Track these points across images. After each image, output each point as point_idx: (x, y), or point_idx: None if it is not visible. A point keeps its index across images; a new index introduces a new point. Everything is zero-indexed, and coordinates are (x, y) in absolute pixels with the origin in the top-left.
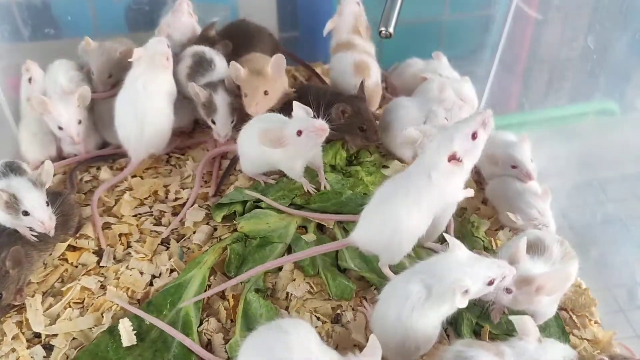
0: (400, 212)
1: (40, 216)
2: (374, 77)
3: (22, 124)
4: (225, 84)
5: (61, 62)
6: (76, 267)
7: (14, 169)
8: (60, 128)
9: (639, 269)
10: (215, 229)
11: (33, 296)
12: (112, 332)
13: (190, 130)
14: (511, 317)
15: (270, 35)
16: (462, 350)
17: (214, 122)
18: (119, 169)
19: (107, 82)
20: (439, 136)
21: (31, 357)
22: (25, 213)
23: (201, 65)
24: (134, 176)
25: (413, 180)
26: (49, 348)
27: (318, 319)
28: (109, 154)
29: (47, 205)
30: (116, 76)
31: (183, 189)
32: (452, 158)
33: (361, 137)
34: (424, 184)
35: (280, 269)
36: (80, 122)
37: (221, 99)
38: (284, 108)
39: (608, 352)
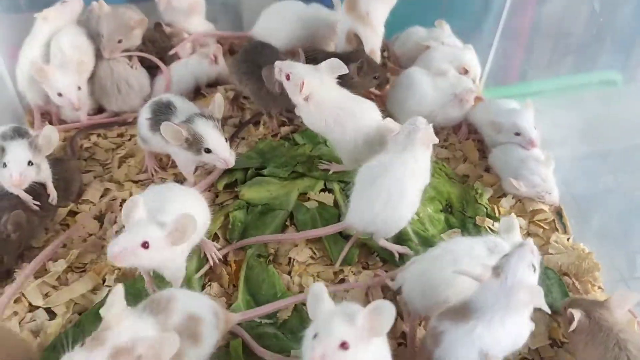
0: (405, 184)
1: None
2: (369, 43)
3: None
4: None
5: (69, 28)
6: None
7: (21, 133)
8: (59, 94)
9: (638, 239)
10: (217, 196)
11: (21, 268)
12: None
13: (191, 98)
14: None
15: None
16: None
17: (209, 151)
18: (119, 135)
19: (117, 47)
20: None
21: (33, 320)
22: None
23: (161, 112)
24: (135, 143)
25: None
26: (51, 312)
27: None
28: (110, 122)
29: (30, 164)
30: (126, 43)
31: None
32: None
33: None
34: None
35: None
36: (79, 88)
37: (203, 124)
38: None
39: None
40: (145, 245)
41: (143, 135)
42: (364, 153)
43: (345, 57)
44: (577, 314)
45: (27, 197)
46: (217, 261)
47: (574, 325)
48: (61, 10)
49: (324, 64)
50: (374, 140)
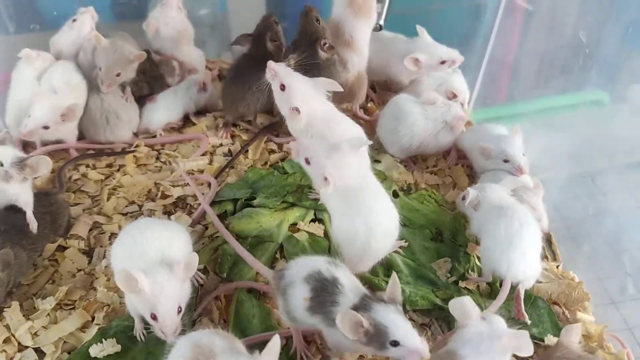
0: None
1: None
2: (356, 67)
3: None
4: None
5: (62, 64)
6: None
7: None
8: (28, 115)
9: (629, 260)
10: (207, 228)
11: (10, 307)
12: (104, 334)
13: (180, 126)
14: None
15: None
16: None
17: (396, 344)
18: (108, 165)
19: (115, 80)
20: None
21: None
22: None
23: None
24: (124, 174)
25: None
26: (40, 351)
27: None
28: (99, 150)
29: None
30: (124, 76)
31: (174, 186)
32: None
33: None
34: None
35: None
36: (46, 128)
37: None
38: None
39: (601, 346)
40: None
41: (294, 315)
42: None
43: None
44: None
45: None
46: (202, 282)
47: None
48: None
49: (319, 81)
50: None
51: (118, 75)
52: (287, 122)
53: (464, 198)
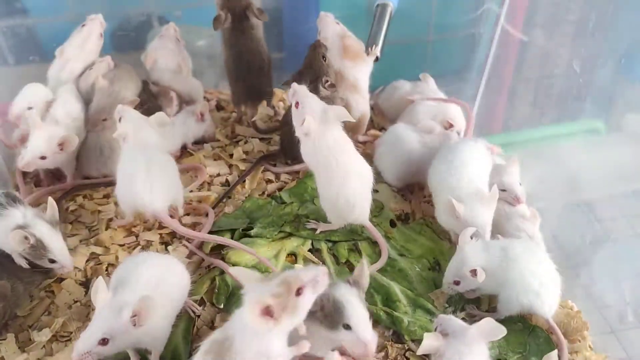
0: None
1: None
2: (360, 108)
3: None
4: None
5: (64, 92)
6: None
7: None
8: (25, 146)
9: (628, 289)
10: (203, 260)
11: (5, 339)
12: None
13: (177, 156)
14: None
15: None
16: None
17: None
18: (105, 196)
19: (100, 123)
20: None
21: None
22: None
23: None
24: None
25: None
26: None
27: None
28: (96, 182)
29: None
30: (110, 121)
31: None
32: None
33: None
34: None
35: None
36: (43, 158)
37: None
38: None
39: None
40: (104, 342)
41: None
42: (344, 211)
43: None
44: None
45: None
46: (196, 313)
47: None
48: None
49: (332, 108)
50: (355, 206)
51: (105, 120)
52: (301, 144)
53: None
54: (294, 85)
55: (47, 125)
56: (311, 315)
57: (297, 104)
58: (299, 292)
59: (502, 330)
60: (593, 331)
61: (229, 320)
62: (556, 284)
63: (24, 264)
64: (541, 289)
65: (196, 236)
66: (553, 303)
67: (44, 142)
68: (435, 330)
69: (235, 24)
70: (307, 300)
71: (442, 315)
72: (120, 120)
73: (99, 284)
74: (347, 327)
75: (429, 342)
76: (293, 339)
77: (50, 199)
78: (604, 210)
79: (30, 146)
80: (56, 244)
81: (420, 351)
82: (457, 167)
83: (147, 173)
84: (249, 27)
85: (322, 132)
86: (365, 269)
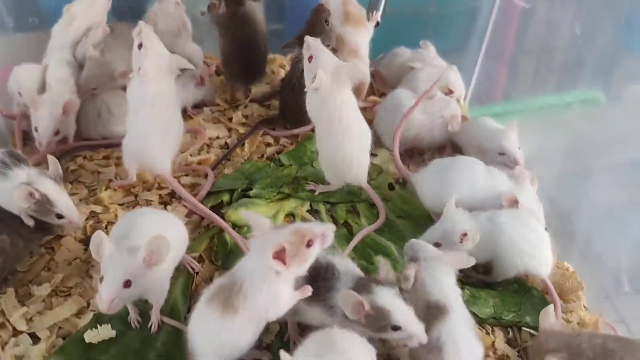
0: None
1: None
2: (362, 72)
3: None
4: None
5: (54, 60)
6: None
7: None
8: (35, 129)
9: (624, 255)
10: (203, 218)
11: (5, 293)
12: (99, 320)
13: None
14: None
15: None
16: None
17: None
18: (105, 157)
19: (90, 92)
20: None
21: (17, 345)
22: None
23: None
24: (121, 166)
25: None
26: (35, 336)
27: None
28: (96, 144)
29: None
30: (101, 89)
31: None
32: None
33: None
34: None
35: None
36: (57, 133)
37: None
38: None
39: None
40: (127, 284)
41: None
42: (342, 170)
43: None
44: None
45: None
46: (195, 270)
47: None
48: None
49: (345, 66)
50: (352, 165)
51: (95, 89)
52: (307, 97)
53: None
54: (308, 39)
55: (45, 100)
56: (350, 323)
57: (310, 57)
58: (309, 243)
59: (471, 260)
60: (588, 295)
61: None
62: (547, 245)
63: (31, 223)
64: (535, 251)
65: (192, 202)
66: (548, 262)
67: (49, 118)
68: (408, 255)
69: (230, 10)
70: (315, 253)
71: (414, 240)
72: (140, 47)
73: (99, 236)
74: (396, 327)
75: (410, 272)
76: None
77: (51, 156)
78: (602, 179)
79: (40, 129)
80: (62, 198)
81: (406, 285)
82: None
83: (163, 133)
84: (244, 12)
85: (332, 88)
86: (387, 264)
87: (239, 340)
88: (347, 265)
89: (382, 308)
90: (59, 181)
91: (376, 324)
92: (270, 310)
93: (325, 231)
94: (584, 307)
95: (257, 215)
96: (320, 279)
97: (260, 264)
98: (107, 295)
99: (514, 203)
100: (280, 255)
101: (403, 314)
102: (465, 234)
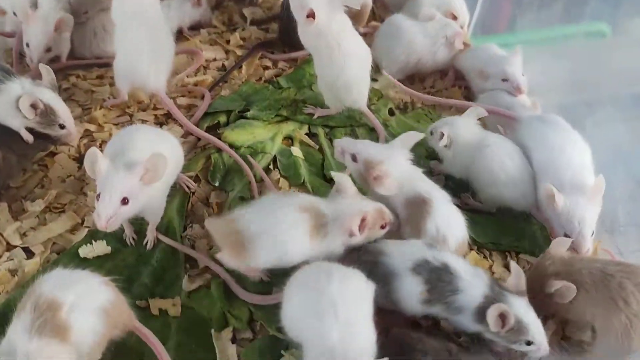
0: None
1: None
2: None
3: None
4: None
5: None
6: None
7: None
8: (27, 44)
9: (624, 190)
10: (199, 139)
11: None
12: (94, 236)
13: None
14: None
15: None
16: None
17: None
18: (99, 77)
19: (82, 15)
20: None
21: (11, 259)
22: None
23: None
24: (113, 84)
25: None
26: (29, 251)
27: None
28: (89, 63)
29: None
30: (91, 11)
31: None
32: None
33: None
34: None
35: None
36: (49, 50)
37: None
38: None
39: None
40: (125, 201)
41: (403, 304)
42: (342, 94)
43: None
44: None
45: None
46: (191, 189)
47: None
48: None
49: None
50: (353, 89)
51: (86, 12)
52: (299, 28)
53: (432, 133)
54: None
55: (38, 16)
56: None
57: None
58: (383, 225)
59: (419, 135)
60: None
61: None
62: (524, 180)
63: (31, 139)
64: (508, 181)
65: (186, 124)
66: (527, 196)
67: (42, 34)
68: (342, 153)
69: None
70: (378, 236)
71: (340, 140)
72: None
73: (94, 152)
74: (530, 343)
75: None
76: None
77: (44, 65)
78: (605, 112)
79: (32, 45)
80: (62, 107)
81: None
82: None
83: (153, 49)
84: None
85: (327, 17)
86: (521, 274)
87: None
88: (459, 261)
89: (522, 322)
90: (55, 89)
91: (513, 338)
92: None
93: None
94: None
95: (345, 178)
96: (440, 283)
97: (342, 222)
98: (105, 212)
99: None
100: (362, 223)
101: (539, 331)
102: (442, 134)
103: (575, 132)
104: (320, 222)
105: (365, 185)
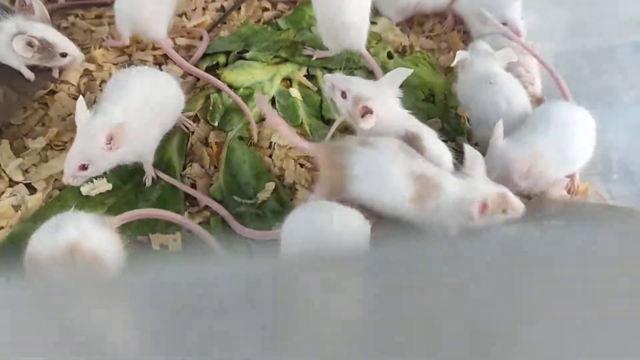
0: None
1: None
2: None
3: None
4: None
5: None
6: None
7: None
8: None
9: (616, 138)
10: (198, 79)
11: (0, 144)
12: None
13: None
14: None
15: None
16: None
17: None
18: (97, 16)
19: None
20: None
21: (14, 194)
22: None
23: None
24: (112, 24)
25: None
26: (31, 187)
27: (302, 166)
28: (87, 3)
29: None
30: None
31: None
32: None
33: None
34: None
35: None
36: None
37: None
38: None
39: (584, 199)
40: (84, 167)
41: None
42: (340, 35)
43: None
44: None
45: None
46: (190, 129)
47: None
48: None
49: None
50: (351, 30)
51: None
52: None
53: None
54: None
55: None
56: None
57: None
58: (505, 211)
59: (408, 72)
60: (581, 177)
61: None
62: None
63: (32, 76)
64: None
65: (186, 66)
66: None
67: None
68: (332, 88)
69: None
70: (498, 222)
71: (331, 75)
72: None
73: (78, 104)
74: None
75: None
76: None
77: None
78: (601, 60)
79: None
80: (57, 36)
81: None
82: None
83: None
84: None
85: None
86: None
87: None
88: None
89: None
90: (48, 22)
91: None
92: None
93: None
94: None
95: (477, 155)
96: None
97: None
98: (65, 172)
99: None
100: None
101: None
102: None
103: None
104: (431, 195)
105: (353, 122)
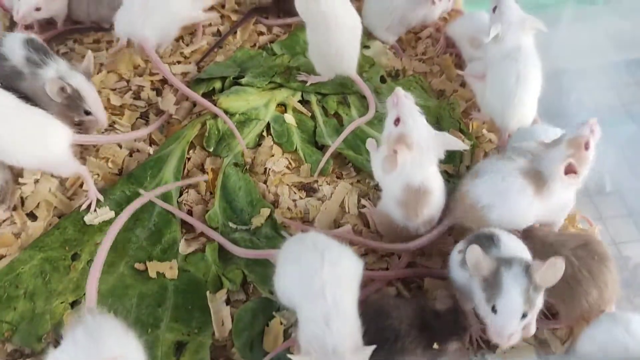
0: None
1: None
2: None
3: None
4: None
5: None
6: None
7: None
8: None
9: (608, 156)
10: (195, 105)
11: None
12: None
13: None
14: None
15: None
16: None
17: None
18: (95, 41)
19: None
20: None
21: (14, 222)
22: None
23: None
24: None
25: None
26: (32, 216)
27: (296, 192)
28: (85, 28)
29: None
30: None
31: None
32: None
33: None
34: None
35: (259, 144)
36: (38, 9)
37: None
38: None
39: (572, 225)
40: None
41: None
42: (333, 62)
43: None
44: None
45: None
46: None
47: None
48: None
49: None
50: (344, 56)
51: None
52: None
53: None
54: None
55: None
56: None
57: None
58: (586, 146)
59: (462, 146)
60: None
61: None
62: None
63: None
64: (510, 101)
65: (182, 88)
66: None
67: None
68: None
69: None
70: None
71: (405, 93)
72: None
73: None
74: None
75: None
76: None
77: (89, 51)
78: (593, 78)
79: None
80: (92, 94)
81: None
82: None
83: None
84: None
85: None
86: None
87: None
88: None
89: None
90: (89, 77)
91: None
92: None
93: (592, 126)
94: None
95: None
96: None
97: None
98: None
99: None
100: (570, 169)
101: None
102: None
103: None
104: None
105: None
